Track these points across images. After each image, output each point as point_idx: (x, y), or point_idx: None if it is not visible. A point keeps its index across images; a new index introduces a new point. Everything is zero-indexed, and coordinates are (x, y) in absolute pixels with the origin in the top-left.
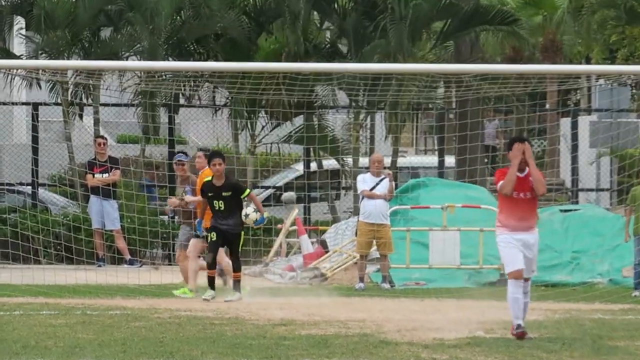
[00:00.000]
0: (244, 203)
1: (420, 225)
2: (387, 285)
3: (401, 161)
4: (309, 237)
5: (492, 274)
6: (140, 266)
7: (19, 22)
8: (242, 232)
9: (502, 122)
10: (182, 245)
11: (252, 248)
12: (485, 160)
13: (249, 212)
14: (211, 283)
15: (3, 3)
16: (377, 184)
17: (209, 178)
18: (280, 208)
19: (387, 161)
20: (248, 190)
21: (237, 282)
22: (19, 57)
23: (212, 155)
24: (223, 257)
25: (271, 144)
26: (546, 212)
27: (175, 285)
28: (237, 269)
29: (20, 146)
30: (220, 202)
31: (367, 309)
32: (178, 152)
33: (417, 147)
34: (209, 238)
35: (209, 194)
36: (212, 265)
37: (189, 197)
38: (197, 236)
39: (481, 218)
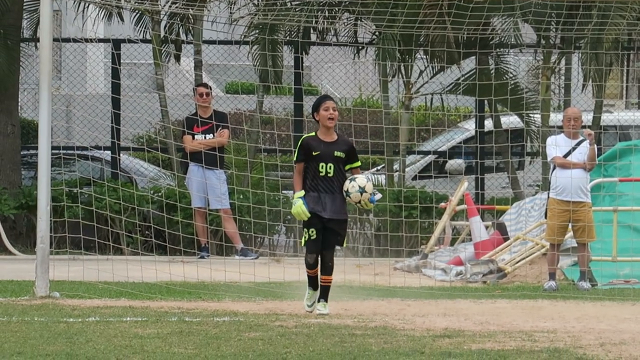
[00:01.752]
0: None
1: (632, 204)
2: (586, 285)
3: (606, 118)
4: (482, 219)
5: None
6: (257, 257)
7: None
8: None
9: None
10: None
11: (406, 234)
12: None
13: (363, 184)
14: (314, 282)
15: None
16: (574, 148)
17: (312, 133)
18: (444, 181)
19: (587, 118)
20: (359, 162)
21: (328, 288)
22: None
23: (323, 98)
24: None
25: (432, 94)
26: None
27: (304, 283)
28: (330, 271)
29: (96, 97)
30: (330, 165)
31: (560, 315)
32: None
33: (627, 99)
34: (306, 235)
35: (314, 153)
36: (315, 264)
37: None
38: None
39: None
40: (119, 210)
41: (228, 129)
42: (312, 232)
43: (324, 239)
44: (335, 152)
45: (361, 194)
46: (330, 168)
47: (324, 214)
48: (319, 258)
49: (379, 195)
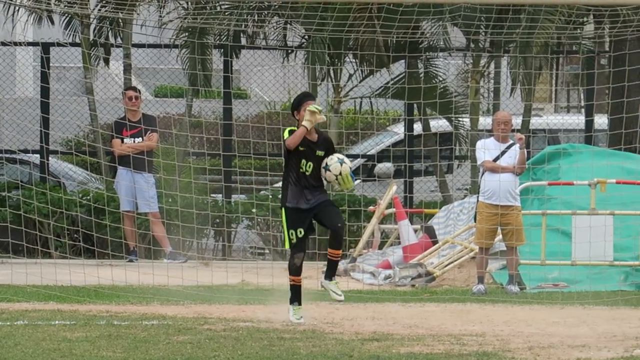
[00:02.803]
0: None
1: (561, 207)
2: (515, 288)
3: (535, 122)
4: (411, 223)
5: None
6: (185, 261)
7: None
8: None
9: None
10: None
11: None
12: None
13: (342, 156)
14: (298, 295)
15: None
16: (503, 152)
17: (294, 127)
18: (373, 184)
19: (517, 122)
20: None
21: (337, 263)
22: None
23: (304, 97)
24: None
25: (361, 98)
26: None
27: (233, 287)
28: (341, 244)
29: (25, 101)
30: (310, 164)
31: (489, 319)
32: None
33: (556, 103)
34: (293, 236)
35: (300, 148)
36: (299, 269)
37: None
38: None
39: None
40: (48, 214)
41: (157, 132)
42: (300, 231)
43: (325, 217)
44: (317, 151)
45: (341, 165)
46: (309, 167)
47: (308, 205)
48: (332, 233)
49: (357, 181)
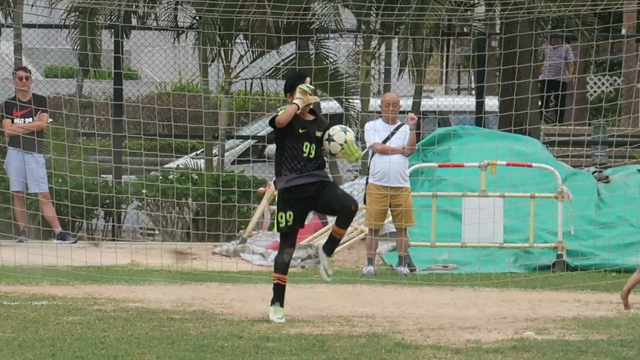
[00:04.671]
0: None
1: (451, 189)
2: (405, 270)
3: (426, 103)
4: None
5: (546, 255)
6: (75, 242)
7: None
8: None
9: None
10: None
11: (225, 218)
12: (540, 102)
13: (343, 126)
14: (282, 296)
15: None
16: (393, 133)
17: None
18: (263, 165)
19: (407, 104)
20: None
21: (338, 242)
22: None
23: (297, 78)
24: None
25: (252, 79)
26: (619, 173)
27: (122, 268)
28: (347, 224)
29: None
30: (313, 145)
31: (378, 300)
32: None
33: (447, 84)
34: (280, 220)
35: (301, 131)
36: (287, 267)
37: None
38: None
39: (532, 180)
40: None
41: (47, 112)
42: (290, 215)
43: (335, 201)
44: (316, 132)
45: (345, 133)
46: (312, 149)
47: (309, 181)
48: (343, 213)
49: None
